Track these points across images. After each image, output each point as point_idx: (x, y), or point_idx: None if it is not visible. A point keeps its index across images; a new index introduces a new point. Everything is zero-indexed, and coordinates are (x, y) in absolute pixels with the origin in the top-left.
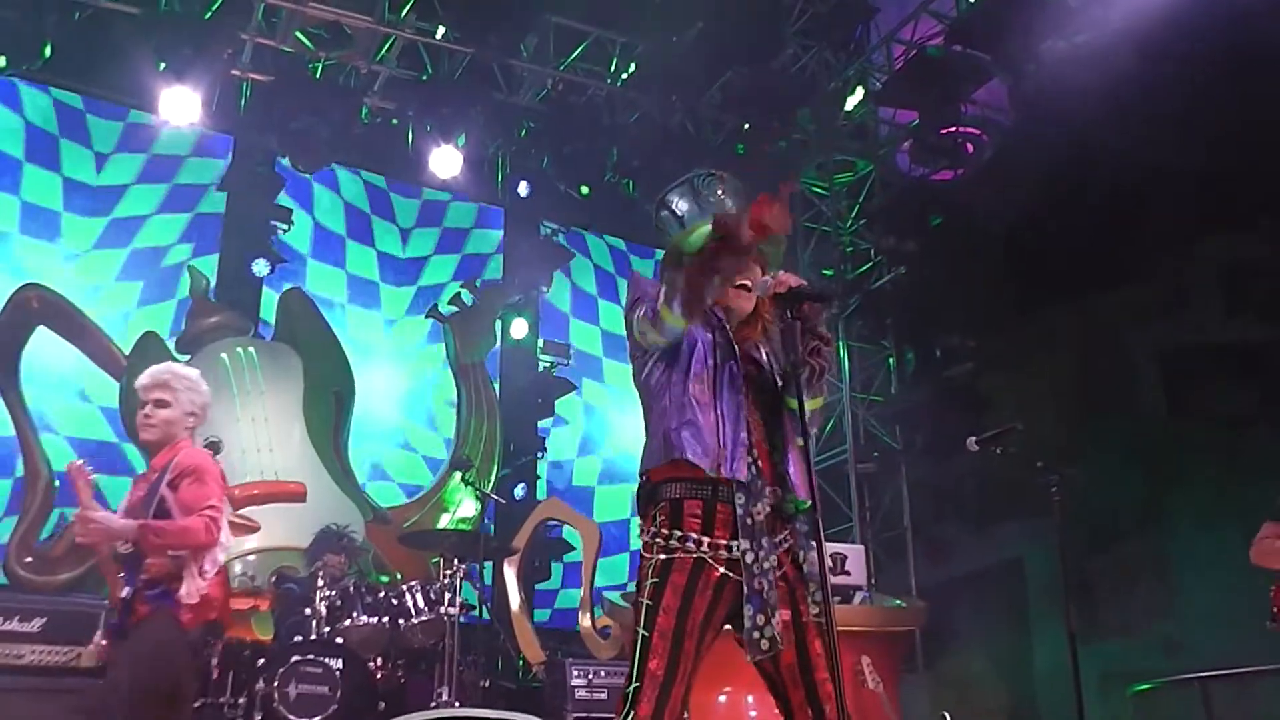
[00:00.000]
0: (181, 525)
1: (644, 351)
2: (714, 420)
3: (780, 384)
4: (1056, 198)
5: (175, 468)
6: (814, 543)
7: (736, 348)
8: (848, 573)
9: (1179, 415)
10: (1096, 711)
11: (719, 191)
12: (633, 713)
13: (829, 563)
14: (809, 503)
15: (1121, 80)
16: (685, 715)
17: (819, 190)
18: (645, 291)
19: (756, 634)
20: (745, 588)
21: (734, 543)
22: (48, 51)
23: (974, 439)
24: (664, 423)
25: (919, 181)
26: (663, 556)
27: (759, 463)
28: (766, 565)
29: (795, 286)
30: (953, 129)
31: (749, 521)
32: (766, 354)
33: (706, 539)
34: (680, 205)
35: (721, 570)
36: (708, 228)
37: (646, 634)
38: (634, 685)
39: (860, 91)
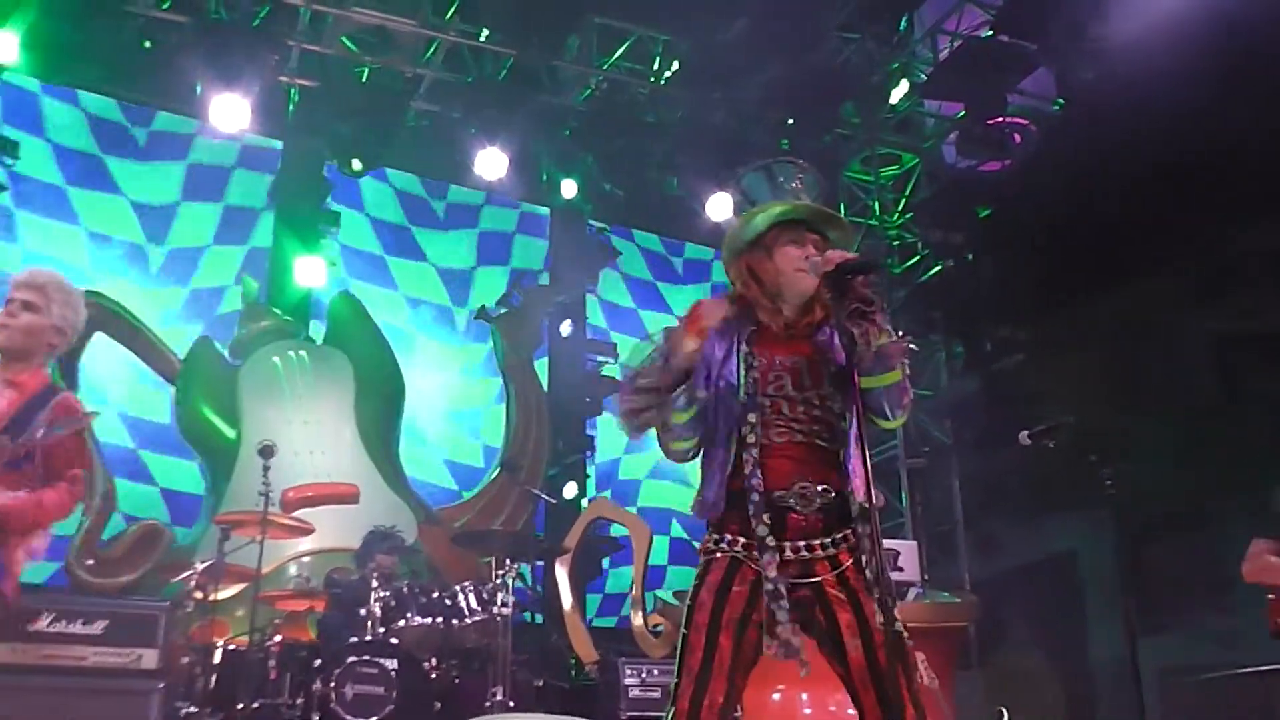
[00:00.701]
0: (57, 502)
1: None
2: (720, 481)
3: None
4: (1105, 186)
5: (57, 408)
6: (873, 543)
7: (758, 380)
8: (900, 569)
9: (1235, 403)
10: (1154, 706)
11: (796, 181)
12: (673, 708)
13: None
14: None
15: (1168, 67)
16: (737, 713)
17: (865, 184)
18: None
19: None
20: (767, 600)
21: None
22: (98, 61)
23: (1026, 433)
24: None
25: (966, 173)
26: (704, 558)
27: (760, 477)
28: (779, 579)
29: (840, 261)
30: (999, 120)
31: (770, 541)
32: (838, 346)
33: (743, 539)
34: (755, 190)
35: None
36: (777, 210)
37: (685, 631)
38: (674, 681)
39: (905, 84)
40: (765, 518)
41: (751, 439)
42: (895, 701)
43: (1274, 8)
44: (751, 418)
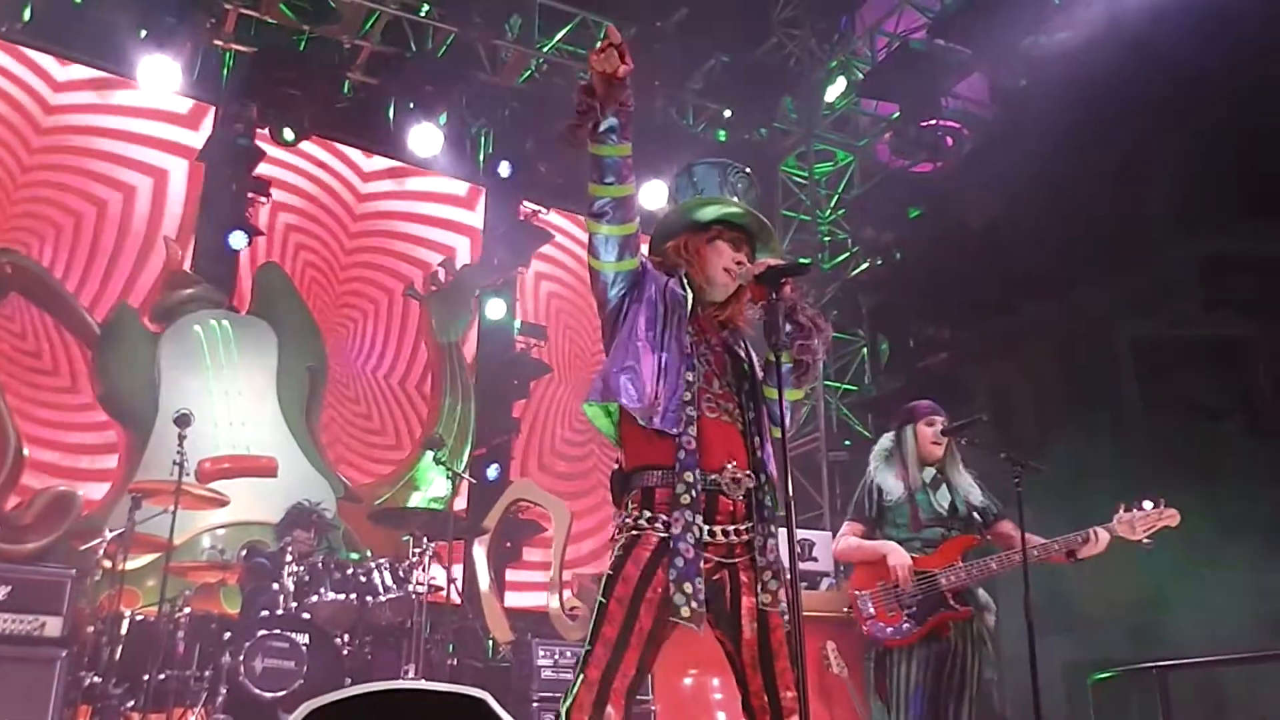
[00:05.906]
0: None
1: (601, 275)
2: (653, 368)
3: (761, 374)
4: (1036, 192)
5: None
6: (778, 533)
7: (690, 301)
8: (815, 559)
9: (1155, 408)
10: (1059, 700)
11: (739, 187)
12: (583, 675)
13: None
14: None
15: (1103, 77)
16: (648, 698)
17: (799, 179)
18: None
19: (681, 598)
20: (671, 556)
21: (708, 526)
22: (27, 14)
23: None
24: (611, 362)
25: (899, 173)
26: (631, 533)
27: (695, 441)
28: (686, 541)
29: (771, 266)
30: (933, 122)
31: (686, 499)
32: (745, 345)
33: (676, 517)
34: (705, 181)
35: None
36: (729, 208)
37: (604, 600)
38: (586, 649)
39: (843, 82)
40: (698, 497)
41: (692, 409)
42: (780, 684)
43: (1207, 20)
44: (690, 376)
